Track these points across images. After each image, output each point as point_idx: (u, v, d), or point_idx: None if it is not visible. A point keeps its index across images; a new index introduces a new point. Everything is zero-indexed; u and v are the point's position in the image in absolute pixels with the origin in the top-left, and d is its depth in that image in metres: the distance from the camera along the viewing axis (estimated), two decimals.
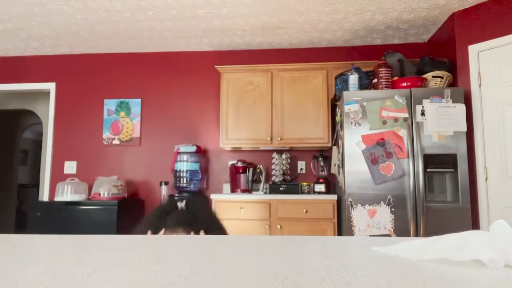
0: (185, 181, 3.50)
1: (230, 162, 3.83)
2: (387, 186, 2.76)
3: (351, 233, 2.76)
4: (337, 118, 3.18)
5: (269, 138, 3.49)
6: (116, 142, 3.99)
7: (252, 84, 3.58)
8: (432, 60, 3.07)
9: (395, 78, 3.01)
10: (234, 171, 3.54)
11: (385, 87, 2.93)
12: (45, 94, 5.51)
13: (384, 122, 2.81)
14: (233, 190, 3.52)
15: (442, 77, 2.99)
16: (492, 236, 0.54)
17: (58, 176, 4.03)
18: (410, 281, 0.42)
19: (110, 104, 4.04)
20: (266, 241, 0.72)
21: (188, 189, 3.52)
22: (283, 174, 3.57)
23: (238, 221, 3.17)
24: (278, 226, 3.11)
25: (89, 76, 4.14)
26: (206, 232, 1.22)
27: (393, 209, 2.74)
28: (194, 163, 3.54)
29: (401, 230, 2.71)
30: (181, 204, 1.31)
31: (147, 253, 0.59)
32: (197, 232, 1.22)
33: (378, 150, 2.79)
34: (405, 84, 2.93)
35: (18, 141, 6.69)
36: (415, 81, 2.91)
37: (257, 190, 3.61)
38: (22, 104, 5.62)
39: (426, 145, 2.76)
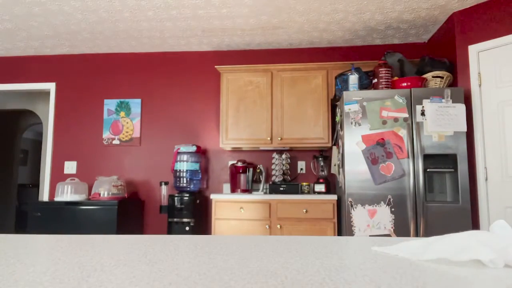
0: (185, 181, 3.50)
1: (230, 162, 3.83)
2: (387, 186, 2.76)
3: (351, 233, 2.76)
4: (337, 118, 3.18)
5: (269, 138, 3.49)
6: (116, 142, 3.99)
7: (252, 84, 3.58)
8: (432, 60, 3.07)
9: (395, 78, 3.01)
10: (234, 171, 3.53)
11: (385, 87, 2.93)
12: (45, 94, 5.51)
13: (384, 122, 2.81)
14: (233, 190, 3.52)
15: (442, 77, 2.99)
16: (492, 236, 0.54)
17: (58, 176, 4.03)
18: (410, 281, 0.42)
19: (110, 104, 4.04)
20: (266, 241, 0.72)
21: (188, 189, 3.51)
22: (283, 174, 3.57)
23: (238, 221, 3.17)
24: (278, 226, 3.11)
25: (89, 76, 4.13)
26: None
27: (393, 209, 2.74)
28: (194, 163, 3.54)
29: (401, 230, 2.71)
30: None
31: (147, 253, 0.59)
32: None
33: (378, 150, 2.79)
34: (405, 84, 2.93)
35: (18, 141, 6.69)
36: (415, 81, 2.91)
37: (257, 190, 3.61)
38: (22, 104, 5.62)
39: (426, 145, 2.76)
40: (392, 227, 2.72)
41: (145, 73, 4.08)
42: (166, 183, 3.74)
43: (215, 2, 2.98)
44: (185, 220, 3.39)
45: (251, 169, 3.54)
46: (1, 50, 4.03)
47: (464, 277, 0.43)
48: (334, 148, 3.34)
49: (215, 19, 3.29)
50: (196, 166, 3.56)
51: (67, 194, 3.48)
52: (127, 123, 4.00)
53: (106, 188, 3.50)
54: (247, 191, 3.50)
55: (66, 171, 4.02)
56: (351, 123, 2.85)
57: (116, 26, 3.44)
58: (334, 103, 3.40)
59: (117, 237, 0.76)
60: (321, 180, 3.42)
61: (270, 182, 3.49)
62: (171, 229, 3.42)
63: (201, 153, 3.74)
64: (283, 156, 3.60)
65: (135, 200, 3.75)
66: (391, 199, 2.74)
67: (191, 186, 3.52)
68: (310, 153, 3.78)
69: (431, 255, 0.55)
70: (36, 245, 0.67)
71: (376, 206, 2.75)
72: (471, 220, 2.72)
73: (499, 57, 2.84)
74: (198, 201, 3.53)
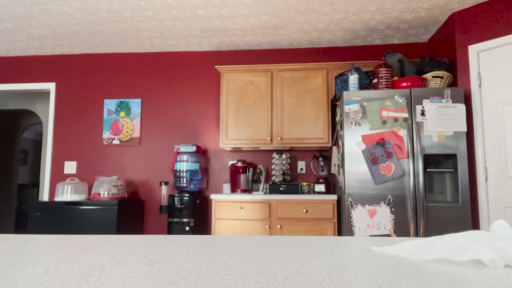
0: (185, 181, 3.50)
1: (230, 162, 3.83)
2: (387, 186, 2.75)
3: (351, 233, 2.76)
4: (337, 118, 3.18)
5: (269, 138, 3.49)
6: (116, 142, 3.99)
7: (252, 84, 3.58)
8: (432, 60, 3.07)
9: (395, 78, 3.01)
10: (234, 171, 3.53)
11: (385, 87, 2.93)
12: (45, 94, 5.51)
13: (384, 122, 2.81)
14: (233, 190, 3.52)
15: (442, 77, 2.99)
16: (492, 236, 0.54)
17: (58, 176, 4.03)
18: (410, 281, 0.42)
19: (110, 104, 4.04)
20: (266, 241, 0.72)
21: (188, 189, 3.52)
22: (283, 174, 3.57)
23: (238, 221, 3.17)
24: (278, 226, 3.11)
25: (89, 76, 4.13)
26: None
27: (393, 209, 2.74)
28: (194, 163, 3.54)
29: (401, 230, 2.71)
30: None
31: (147, 253, 0.59)
32: None
33: (378, 150, 2.79)
34: (405, 84, 2.93)
35: (18, 141, 6.69)
36: (415, 81, 2.91)
37: (257, 190, 3.61)
38: (22, 104, 5.62)
39: (426, 145, 2.76)
40: (392, 227, 2.72)
41: (145, 73, 4.08)
42: (166, 183, 3.74)
43: (215, 2, 2.98)
44: (185, 220, 3.39)
45: (251, 169, 3.54)
46: (1, 50, 4.03)
47: (464, 277, 0.43)
48: (334, 148, 3.34)
49: (215, 19, 3.29)
50: (196, 166, 3.56)
51: (67, 194, 3.48)
52: (127, 123, 4.00)
53: (106, 188, 3.50)
54: (247, 191, 3.50)
55: (66, 171, 4.02)
56: (351, 123, 2.85)
57: (116, 26, 3.44)
58: (334, 103, 3.40)
59: (117, 237, 0.76)
60: (321, 180, 3.42)
61: (270, 182, 3.49)
62: (171, 229, 3.42)
63: (201, 153, 3.74)
64: (283, 156, 3.60)
65: (135, 200, 3.75)
66: (391, 199, 2.74)
67: (191, 186, 3.52)
68: (310, 153, 3.78)
69: (431, 255, 0.55)
70: (36, 245, 0.67)
71: (376, 206, 2.75)
72: (471, 220, 2.72)
73: (499, 57, 2.84)
74: (198, 201, 3.53)
